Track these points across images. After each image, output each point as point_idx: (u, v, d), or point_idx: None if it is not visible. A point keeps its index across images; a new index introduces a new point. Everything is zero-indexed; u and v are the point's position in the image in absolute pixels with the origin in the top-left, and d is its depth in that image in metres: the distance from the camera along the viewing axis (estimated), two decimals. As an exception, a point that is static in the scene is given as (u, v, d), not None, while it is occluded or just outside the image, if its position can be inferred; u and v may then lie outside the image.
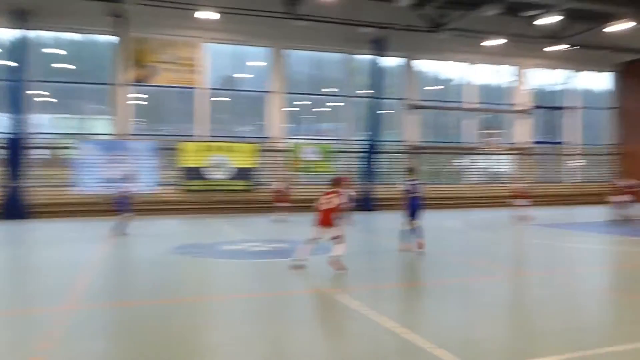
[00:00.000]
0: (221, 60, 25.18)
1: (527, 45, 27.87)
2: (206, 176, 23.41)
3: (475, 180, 29.09)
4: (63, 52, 23.26)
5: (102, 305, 7.28)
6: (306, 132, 27.18)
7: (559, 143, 31.48)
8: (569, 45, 27.52)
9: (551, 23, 25.39)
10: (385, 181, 26.81)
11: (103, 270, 10.01)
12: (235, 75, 25.34)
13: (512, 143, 29.80)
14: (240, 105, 25.28)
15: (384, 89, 26.85)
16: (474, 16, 23.05)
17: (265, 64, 25.64)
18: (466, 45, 27.36)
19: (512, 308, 7.40)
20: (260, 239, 14.02)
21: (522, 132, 29.92)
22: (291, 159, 24.83)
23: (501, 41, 26.33)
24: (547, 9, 23.42)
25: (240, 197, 23.94)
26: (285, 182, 19.18)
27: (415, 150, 27.32)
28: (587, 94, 32.06)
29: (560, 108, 31.45)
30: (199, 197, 23.36)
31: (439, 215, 23.07)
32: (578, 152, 31.22)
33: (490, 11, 21.66)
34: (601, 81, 32.52)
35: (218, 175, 23.56)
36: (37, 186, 21.62)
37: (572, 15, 25.20)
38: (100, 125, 24.27)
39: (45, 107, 23.18)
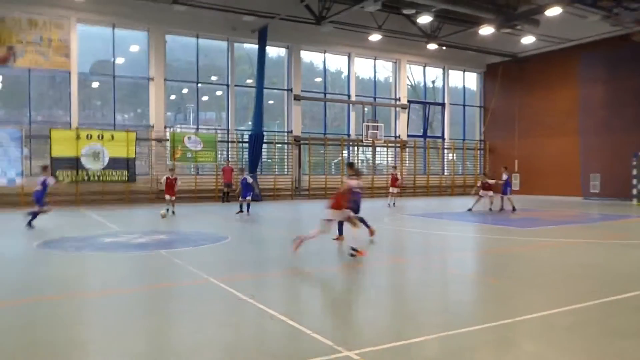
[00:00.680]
0: (95, 43, 23.59)
1: (405, 41, 29.22)
2: (81, 166, 21.82)
3: (361, 171, 29.97)
4: None
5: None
6: (188, 121, 26.35)
7: (437, 137, 33.41)
8: (442, 45, 29.30)
9: (427, 22, 26.91)
10: (271, 172, 26.82)
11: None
12: (111, 60, 23.81)
13: (393, 136, 31.11)
14: (117, 91, 23.81)
15: (271, 79, 26.77)
16: (356, 11, 23.65)
17: (139, 48, 24.42)
18: (348, 39, 28.08)
19: (388, 292, 7.64)
20: (140, 231, 13.32)
21: (401, 125, 31.32)
22: (172, 148, 23.88)
23: (381, 36, 27.38)
24: (423, 9, 24.69)
25: (118, 188, 22.68)
26: (172, 172, 18.27)
27: (301, 141, 27.60)
28: (460, 92, 34.30)
29: (434, 103, 33.37)
30: (73, 188, 21.76)
31: (324, 204, 23.49)
32: (451, 146, 33.32)
33: (372, 7, 22.34)
34: (471, 80, 34.96)
35: (94, 165, 22.05)
36: None
37: (445, 17, 26.90)
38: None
39: None
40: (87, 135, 21.99)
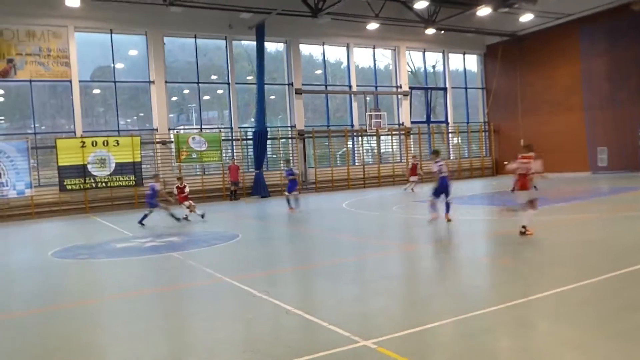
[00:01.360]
0: (94, 50, 23.67)
1: (403, 28, 29.10)
2: (88, 173, 21.96)
3: (366, 161, 29.97)
4: None
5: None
6: (191, 121, 26.43)
7: (440, 122, 33.32)
8: (440, 29, 29.14)
9: (424, 7, 26.75)
10: (277, 167, 26.89)
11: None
12: (111, 66, 23.89)
13: (397, 124, 31.07)
14: (119, 97, 23.91)
15: (271, 74, 26.76)
16: (353, 1, 23.54)
17: (138, 52, 24.48)
18: (346, 29, 28.00)
19: (401, 280, 7.69)
20: (152, 235, 13.44)
21: (404, 112, 31.25)
22: (178, 150, 23.96)
23: (379, 24, 27.29)
24: (419, -6, 24.55)
25: (126, 192, 22.81)
26: (181, 180, 17.64)
27: (305, 135, 27.62)
28: (461, 75, 34.15)
29: (436, 88, 33.25)
30: (82, 196, 21.92)
31: (332, 196, 23.61)
32: (456, 130, 33.23)
33: (367, -5, 22.27)
34: (472, 63, 34.79)
35: (101, 171, 22.18)
36: None
37: (441, 0, 26.74)
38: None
39: None
40: (93, 142, 22.11)
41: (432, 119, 32.94)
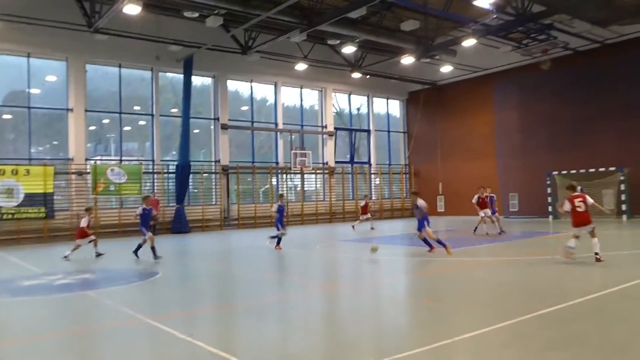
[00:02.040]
0: (8, 73, 22.42)
1: (331, 70, 29.90)
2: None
3: (289, 199, 29.89)
4: None
5: None
6: (109, 152, 25.38)
7: (364, 163, 34.06)
8: (366, 74, 30.20)
9: (351, 52, 27.74)
10: (198, 202, 26.26)
11: None
12: (25, 91, 22.63)
13: (321, 163, 31.43)
14: (32, 124, 22.62)
15: (196, 108, 26.42)
16: (282, 41, 23.94)
17: (57, 78, 23.45)
18: (275, 68, 28.35)
19: (324, 321, 7.56)
20: (63, 271, 12.55)
21: (329, 152, 31.73)
22: (94, 181, 22.82)
23: (307, 65, 27.87)
24: (347, 39, 25.44)
25: (36, 225, 21.33)
26: (90, 213, 15.93)
27: (229, 170, 27.28)
28: (384, 118, 35.31)
29: (361, 130, 34.13)
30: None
31: (255, 233, 23.28)
32: (378, 172, 34.07)
33: (297, 37, 22.72)
34: (395, 107, 36.12)
35: (8, 202, 20.64)
36: None
37: (368, 47, 27.92)
38: None
39: None
40: (0, 171, 20.65)
41: (355, 160, 33.66)
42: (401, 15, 24.57)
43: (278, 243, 16.00)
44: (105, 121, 25.35)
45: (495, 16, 21.65)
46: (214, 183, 27.29)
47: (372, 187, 34.04)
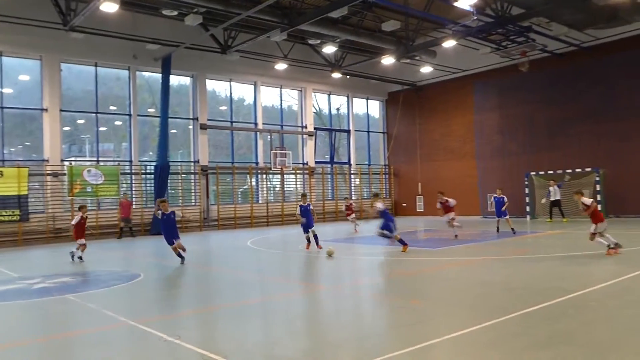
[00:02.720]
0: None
1: (311, 70, 29.85)
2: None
3: (269, 199, 29.74)
4: None
5: None
6: (84, 153, 24.89)
7: (344, 163, 34.07)
8: (346, 74, 30.23)
9: (331, 52, 27.74)
10: (177, 203, 25.96)
11: None
12: (-2, 90, 22.07)
13: (301, 163, 31.35)
14: (6, 124, 22.07)
15: (174, 108, 26.12)
16: (262, 40, 23.82)
17: (30, 77, 22.93)
18: (254, 67, 28.19)
19: (307, 322, 7.53)
20: (40, 275, 12.25)
21: (309, 152, 31.68)
22: (70, 183, 22.38)
23: (287, 65, 27.77)
24: (327, 39, 25.44)
25: (10, 228, 20.82)
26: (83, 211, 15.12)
27: (208, 171, 27.03)
28: (364, 119, 35.38)
29: (340, 130, 34.15)
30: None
31: (236, 234, 23.11)
32: (358, 172, 34.14)
33: (277, 37, 22.62)
34: (375, 108, 36.22)
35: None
36: None
37: (348, 47, 27.96)
38: None
39: None
40: (-28, 172, 20.12)
41: (335, 160, 33.67)
42: (382, 16, 24.65)
43: (317, 242, 15.18)
44: (80, 121, 24.84)
45: (475, 18, 21.83)
46: (193, 183, 27.00)
47: (352, 188, 34.07)
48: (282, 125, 30.89)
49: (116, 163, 24.56)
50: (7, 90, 22.35)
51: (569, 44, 24.74)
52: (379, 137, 36.15)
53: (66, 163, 22.99)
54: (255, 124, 29.57)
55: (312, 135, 31.78)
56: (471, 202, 29.63)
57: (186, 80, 27.42)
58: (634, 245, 13.67)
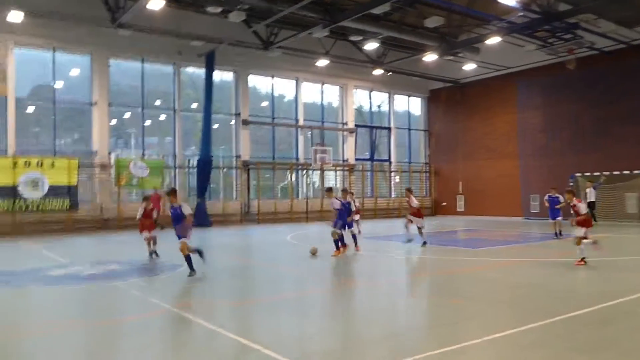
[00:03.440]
0: (35, 67, 22.76)
1: (352, 67, 29.82)
2: (18, 195, 20.70)
3: (308, 195, 29.93)
4: None
5: None
6: (129, 146, 25.61)
7: (384, 160, 33.97)
8: (387, 71, 30.09)
9: (373, 49, 27.64)
10: (218, 197, 26.46)
11: None
12: (50, 85, 22.98)
13: (341, 160, 31.42)
14: (58, 117, 22.98)
15: (217, 104, 26.57)
16: (304, 37, 23.97)
17: (80, 72, 23.74)
18: (296, 64, 28.36)
19: (344, 318, 7.56)
20: (88, 261, 12.74)
21: (349, 149, 31.71)
22: (117, 174, 23.11)
23: (328, 62, 27.84)
24: (369, 36, 25.38)
25: (60, 217, 21.68)
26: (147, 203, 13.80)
27: (248, 166, 27.41)
28: (406, 116, 35.15)
29: (381, 127, 34.02)
30: (9, 219, 20.62)
31: (275, 229, 23.37)
32: (398, 169, 33.98)
33: (319, 33, 22.72)
34: (416, 105, 35.93)
35: (33, 194, 20.99)
36: None
37: (390, 44, 27.80)
38: None
39: None
40: (26, 163, 20.98)
41: (375, 157, 33.59)
42: (425, 12, 24.40)
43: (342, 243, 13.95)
44: (126, 116, 25.61)
45: (520, 14, 21.40)
46: (234, 178, 27.45)
47: (392, 185, 33.94)
48: (322, 122, 31.00)
49: (160, 157, 25.18)
50: (59, 85, 23.23)
51: (617, 42, 23.96)
52: (420, 135, 35.84)
53: (113, 155, 23.71)
54: (296, 120, 29.78)
55: (352, 132, 31.78)
56: (513, 202, 29.11)
57: (228, 76, 27.83)
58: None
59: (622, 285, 9.21)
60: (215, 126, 27.42)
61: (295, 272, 11.69)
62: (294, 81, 29.77)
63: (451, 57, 28.17)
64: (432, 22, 23.62)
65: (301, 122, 29.80)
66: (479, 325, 6.74)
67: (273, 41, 25.34)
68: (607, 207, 23.23)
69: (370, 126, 33.53)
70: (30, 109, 23.12)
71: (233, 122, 27.77)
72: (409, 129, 35.12)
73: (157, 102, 26.03)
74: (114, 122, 24.97)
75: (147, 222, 13.25)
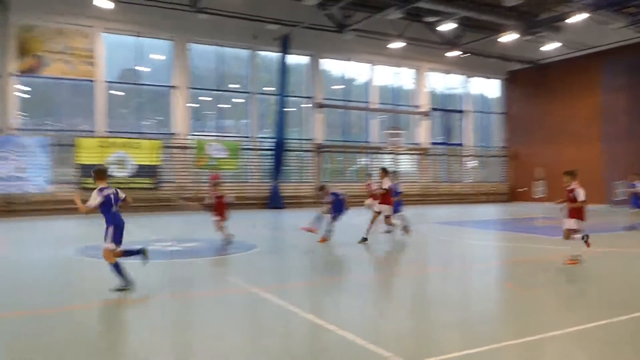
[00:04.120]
0: (120, 52, 23.97)
1: (426, 49, 29.25)
2: (108, 174, 22.00)
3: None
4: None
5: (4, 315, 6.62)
6: (210, 128, 26.53)
7: (457, 144, 33.28)
8: (463, 52, 29.27)
9: (448, 30, 26.94)
10: (292, 180, 26.95)
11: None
12: (135, 68, 24.19)
13: (414, 143, 31.07)
14: (141, 99, 24.18)
15: (290, 87, 26.93)
16: (378, 19, 23.76)
17: (165, 57, 24.75)
18: (370, 47, 28.18)
19: (418, 302, 7.61)
20: (172, 239, 13.44)
21: (423, 133, 31.27)
22: (196, 156, 24.11)
23: (402, 44, 27.43)
24: (445, 17, 24.76)
25: (144, 195, 22.86)
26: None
27: (322, 149, 27.68)
28: (481, 99, 34.18)
29: (455, 111, 33.27)
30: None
31: (349, 212, 23.51)
32: (472, 154, 33.19)
33: (393, 15, 22.44)
34: (492, 87, 34.81)
35: (119, 172, 22.33)
36: None
37: (466, 24, 26.97)
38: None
39: None
40: (113, 143, 22.31)
41: (449, 141, 32.94)
42: (504, -10, 23.49)
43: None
44: (203, 98, 26.49)
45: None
46: (308, 161, 27.83)
47: (467, 170, 33.24)
48: (396, 105, 30.70)
49: (237, 139, 25.93)
50: (143, 69, 24.36)
51: None
52: (497, 118, 34.75)
53: (191, 137, 24.66)
54: (369, 103, 29.67)
55: (426, 115, 31.30)
56: (596, 189, 27.62)
57: (301, 60, 28.06)
58: None
59: None
60: (293, 109, 27.86)
61: (367, 255, 11.79)
62: (369, 64, 29.58)
63: (530, 37, 27.00)
64: (512, 0, 22.72)
65: (375, 105, 29.65)
66: (556, 317, 6.58)
67: (347, 24, 25.29)
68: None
69: (445, 109, 32.86)
70: (117, 92, 24.43)
71: (305, 105, 28.05)
72: (485, 112, 34.12)
73: (233, 85, 26.74)
74: (193, 105, 25.93)
75: (218, 205, 12.62)
